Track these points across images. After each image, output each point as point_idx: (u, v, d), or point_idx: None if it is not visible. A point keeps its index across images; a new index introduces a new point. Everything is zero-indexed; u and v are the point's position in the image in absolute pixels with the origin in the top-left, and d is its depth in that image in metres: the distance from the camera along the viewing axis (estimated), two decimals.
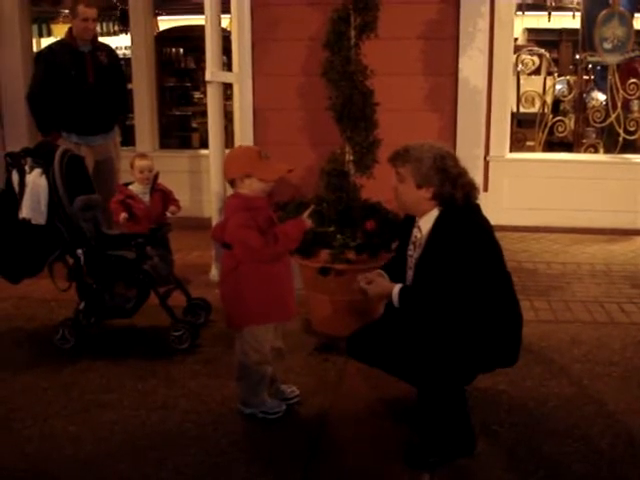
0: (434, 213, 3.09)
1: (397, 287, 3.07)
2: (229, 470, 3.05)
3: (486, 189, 7.13)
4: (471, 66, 4.81)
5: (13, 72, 7.60)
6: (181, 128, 8.70)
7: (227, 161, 3.45)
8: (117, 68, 5.98)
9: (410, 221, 3.27)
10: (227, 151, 5.20)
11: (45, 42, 12.69)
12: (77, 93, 5.65)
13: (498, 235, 6.79)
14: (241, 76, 5.07)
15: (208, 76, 5.15)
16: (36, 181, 4.17)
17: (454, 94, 4.88)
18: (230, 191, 3.47)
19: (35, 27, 12.48)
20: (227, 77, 5.30)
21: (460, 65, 4.82)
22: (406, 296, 3.05)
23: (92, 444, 3.27)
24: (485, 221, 3.13)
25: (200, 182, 7.53)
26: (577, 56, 8.33)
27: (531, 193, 7.11)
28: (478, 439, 3.17)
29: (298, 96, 5.02)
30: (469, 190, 3.09)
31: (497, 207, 7.07)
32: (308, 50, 4.78)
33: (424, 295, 3.03)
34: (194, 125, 8.86)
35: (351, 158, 4.38)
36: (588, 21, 7.31)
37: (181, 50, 9.07)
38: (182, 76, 9.05)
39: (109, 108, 5.82)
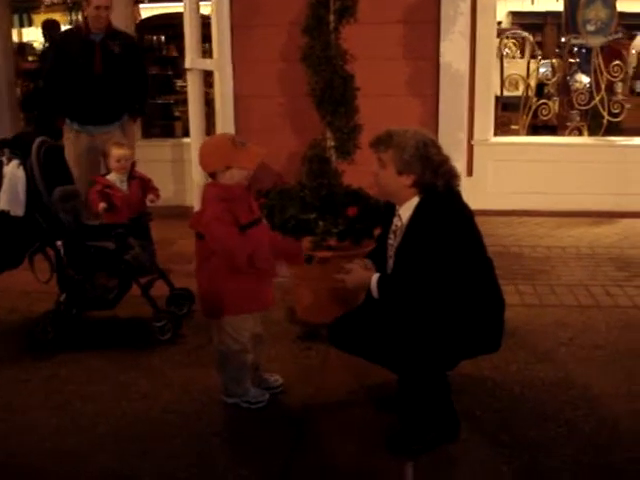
0: (414, 201, 3.06)
1: (375, 277, 3.04)
2: (212, 460, 3.04)
3: (470, 173, 7.09)
4: (453, 50, 4.79)
5: None
6: (164, 117, 8.63)
7: (203, 154, 3.35)
8: (133, 57, 5.85)
9: (391, 209, 3.23)
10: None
11: (26, 32, 12.69)
12: (83, 82, 5.63)
13: (483, 219, 6.78)
14: (221, 63, 5.01)
15: (187, 63, 5.09)
16: (14, 172, 4.11)
17: (436, 78, 4.85)
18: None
19: (16, 17, 12.46)
20: (207, 64, 5.24)
21: (441, 49, 4.80)
22: (385, 285, 3.02)
23: (74, 436, 3.25)
24: (465, 208, 3.10)
25: (183, 171, 7.45)
26: (562, 39, 8.30)
27: (516, 177, 7.06)
28: (462, 425, 3.15)
29: (279, 82, 4.99)
30: (450, 178, 3.06)
31: (482, 191, 7.04)
32: (288, 36, 4.74)
33: (403, 284, 3.00)
34: (177, 114, 8.79)
35: (332, 144, 4.34)
36: (571, 3, 7.26)
37: (162, 38, 8.98)
38: (164, 64, 8.97)
39: (117, 98, 5.75)
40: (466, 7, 4.77)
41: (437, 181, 3.00)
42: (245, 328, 3.37)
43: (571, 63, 8.17)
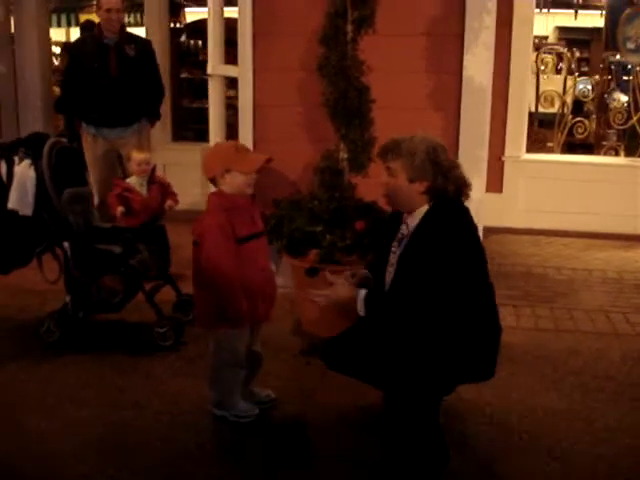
0: (423, 208, 2.96)
1: (362, 293, 2.95)
2: (192, 473, 2.99)
3: (500, 190, 6.96)
4: (476, 64, 4.65)
5: (29, 61, 7.59)
6: (196, 120, 8.63)
7: (205, 159, 3.37)
8: (148, 61, 5.87)
9: (396, 218, 3.14)
10: None
11: (73, 31, 12.89)
12: (99, 85, 5.65)
13: (510, 237, 6.71)
14: (242, 70, 4.97)
15: (209, 69, 5.09)
16: (24, 172, 4.12)
17: (458, 93, 4.73)
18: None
19: (64, 17, 12.67)
20: (229, 70, 5.21)
21: (465, 63, 4.67)
22: (373, 303, 2.92)
23: (59, 441, 3.23)
24: (473, 225, 3.00)
25: None
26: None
27: (547, 195, 6.90)
28: (453, 453, 3.04)
29: (298, 92, 4.91)
30: (461, 184, 2.97)
31: (511, 209, 6.92)
32: (309, 45, 4.64)
33: (393, 302, 2.91)
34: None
35: (346, 156, 4.26)
36: (612, 20, 7.09)
37: (200, 42, 8.99)
38: (203, 68, 8.96)
39: (132, 101, 5.76)
40: (491, 21, 4.62)
41: (448, 186, 2.91)
42: (242, 342, 3.31)
43: (609, 81, 7.96)
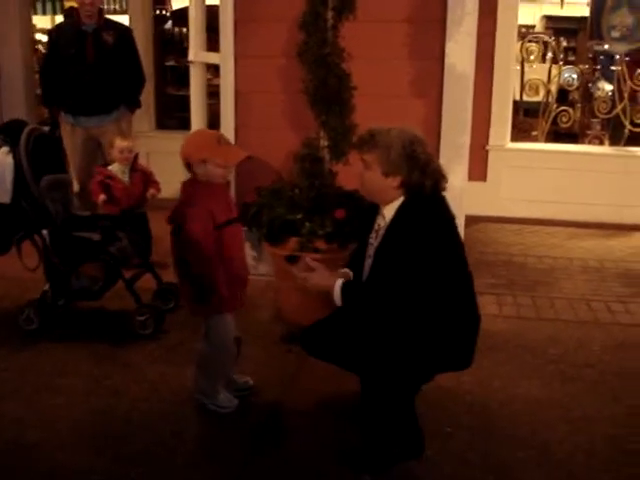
0: (398, 202, 2.93)
1: (338, 283, 2.92)
2: (168, 461, 2.98)
3: (485, 179, 6.95)
4: (458, 50, 4.62)
5: (11, 49, 7.53)
6: (180, 108, 8.57)
7: (185, 144, 3.33)
8: (126, 48, 5.77)
9: (374, 208, 3.12)
10: None
11: (58, 19, 12.77)
12: (76, 73, 5.57)
13: (494, 226, 6.69)
14: (223, 57, 4.93)
15: (191, 56, 5.04)
16: (2, 159, 4.07)
17: (440, 80, 4.70)
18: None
19: (49, 4, 12.54)
20: (210, 57, 5.17)
21: (447, 50, 4.64)
22: (349, 293, 2.90)
23: (36, 429, 3.21)
24: (450, 215, 2.97)
25: None
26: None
27: (531, 184, 6.89)
28: (430, 441, 3.04)
29: (280, 79, 4.88)
30: (438, 178, 2.92)
31: (495, 197, 6.91)
32: (291, 32, 4.60)
33: (369, 293, 2.89)
34: None
35: (326, 144, 4.24)
36: (597, 8, 7.07)
37: (185, 30, 8.92)
38: (184, 56, 8.90)
39: (110, 89, 5.67)
40: (474, 6, 4.59)
41: (425, 181, 2.86)
42: (231, 327, 3.32)
43: (594, 70, 7.95)
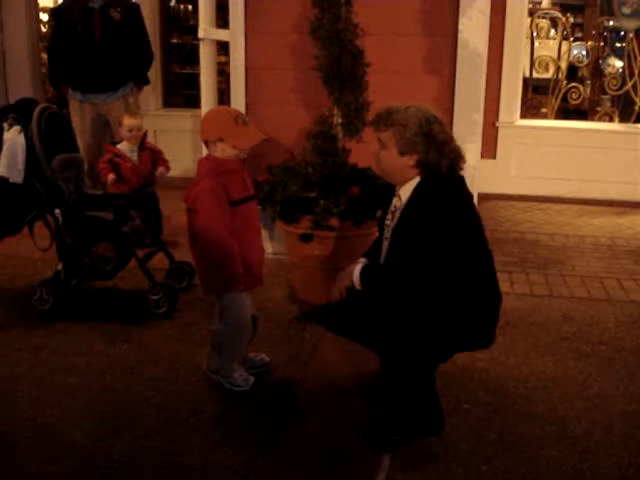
0: (415, 181, 2.91)
1: (357, 267, 2.91)
2: (185, 440, 2.97)
3: (494, 156, 6.93)
4: (472, 27, 4.59)
5: (16, 28, 7.49)
6: (187, 86, 8.53)
7: (203, 121, 3.32)
8: (134, 24, 5.74)
9: (390, 189, 3.10)
10: None
11: None
12: (83, 50, 5.56)
13: (504, 204, 6.69)
14: (233, 34, 4.89)
15: (201, 33, 4.99)
16: (14, 138, 4.06)
17: (453, 57, 4.67)
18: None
19: None
20: (220, 34, 5.12)
21: (460, 26, 4.60)
22: (368, 277, 2.89)
23: (52, 409, 3.20)
24: (467, 194, 2.95)
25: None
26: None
27: (541, 162, 6.87)
28: (447, 418, 3.03)
29: (292, 55, 4.85)
30: (455, 157, 2.89)
31: (505, 175, 6.90)
32: (303, 7, 4.57)
33: (387, 275, 2.88)
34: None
35: (339, 121, 4.20)
36: None
37: (190, 7, 8.86)
38: (194, 33, 8.83)
39: (118, 66, 5.65)
40: None
41: (442, 161, 2.84)
42: (246, 306, 3.30)
43: (604, 46, 7.88)
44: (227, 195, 3.14)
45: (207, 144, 3.23)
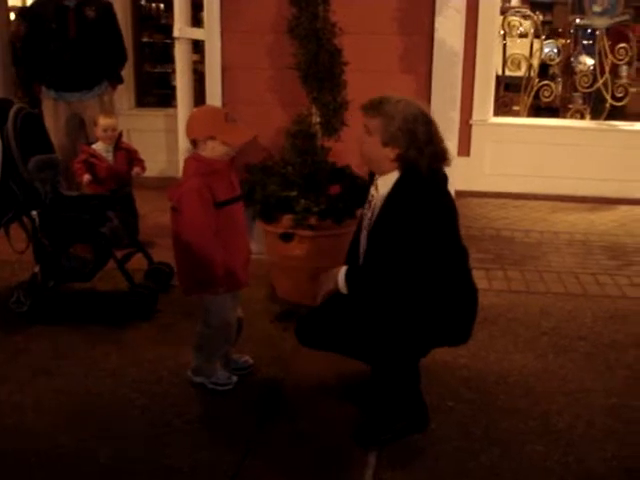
0: (394, 176, 2.89)
1: (342, 273, 2.90)
2: (173, 442, 2.95)
3: (468, 154, 6.97)
4: (448, 26, 4.62)
5: None
6: (160, 86, 8.48)
7: (191, 120, 3.27)
8: (108, 23, 5.71)
9: (371, 178, 3.10)
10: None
11: None
12: (57, 48, 5.51)
13: (478, 201, 6.72)
14: (209, 32, 4.87)
15: (176, 32, 4.96)
16: None
17: (429, 55, 4.69)
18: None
19: None
20: (196, 33, 5.10)
21: (436, 25, 4.62)
22: (353, 279, 2.88)
23: (35, 413, 3.17)
24: (443, 194, 2.95)
25: (177, 141, 7.30)
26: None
27: (514, 159, 6.93)
28: (432, 415, 3.06)
29: (268, 54, 4.83)
30: (435, 161, 2.88)
31: (479, 172, 6.94)
32: (278, 6, 4.57)
33: (371, 274, 2.88)
34: (174, 83, 8.61)
35: (318, 120, 4.21)
36: None
37: (162, 6, 8.80)
38: (163, 32, 8.79)
39: (92, 64, 5.61)
40: None
41: (420, 160, 2.83)
42: (230, 308, 3.28)
43: (575, 44, 7.97)
44: (213, 196, 3.11)
45: (195, 143, 3.18)
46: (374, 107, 2.88)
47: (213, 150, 3.12)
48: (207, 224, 3.07)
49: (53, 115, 5.61)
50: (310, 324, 3.18)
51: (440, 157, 2.92)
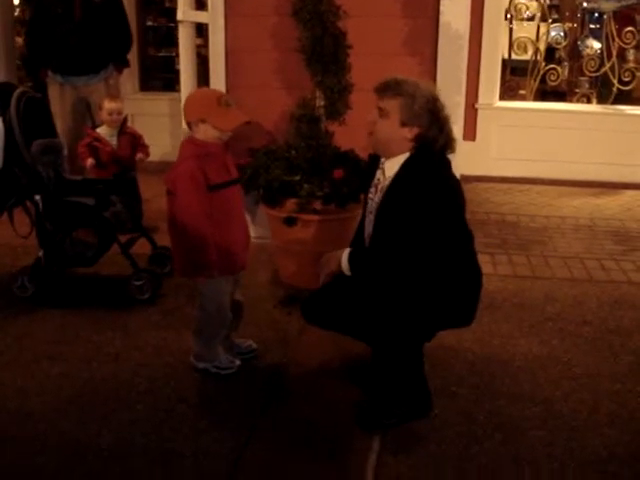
0: (403, 157, 2.88)
1: (345, 254, 2.89)
2: (175, 427, 2.94)
3: (474, 138, 6.94)
4: (453, 9, 4.58)
5: None
6: (164, 69, 8.44)
7: (186, 102, 3.26)
8: (114, 6, 5.69)
9: (374, 162, 3.08)
10: None
11: None
12: (63, 32, 5.50)
13: (484, 186, 6.70)
14: (213, 15, 4.83)
15: (180, 15, 4.92)
16: None
17: (434, 38, 4.65)
18: None
19: None
20: (200, 16, 5.06)
21: (442, 7, 4.59)
22: (356, 262, 2.88)
23: (38, 398, 3.16)
24: (452, 177, 2.94)
25: (181, 125, 7.30)
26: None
27: (520, 143, 6.90)
28: (436, 400, 3.05)
29: (273, 37, 4.81)
30: (451, 139, 2.91)
31: (484, 157, 6.91)
32: None
33: (375, 258, 2.88)
34: (178, 67, 8.57)
35: (322, 103, 4.18)
36: None
37: None
38: (167, 16, 8.74)
39: (98, 48, 5.60)
40: None
41: (440, 139, 2.85)
42: (224, 291, 3.26)
43: (582, 28, 7.89)
44: (206, 179, 3.08)
45: (190, 126, 3.17)
46: (392, 87, 2.85)
47: (205, 133, 3.10)
48: (201, 207, 3.05)
49: (60, 100, 5.60)
50: (316, 302, 3.17)
51: (453, 136, 2.93)
